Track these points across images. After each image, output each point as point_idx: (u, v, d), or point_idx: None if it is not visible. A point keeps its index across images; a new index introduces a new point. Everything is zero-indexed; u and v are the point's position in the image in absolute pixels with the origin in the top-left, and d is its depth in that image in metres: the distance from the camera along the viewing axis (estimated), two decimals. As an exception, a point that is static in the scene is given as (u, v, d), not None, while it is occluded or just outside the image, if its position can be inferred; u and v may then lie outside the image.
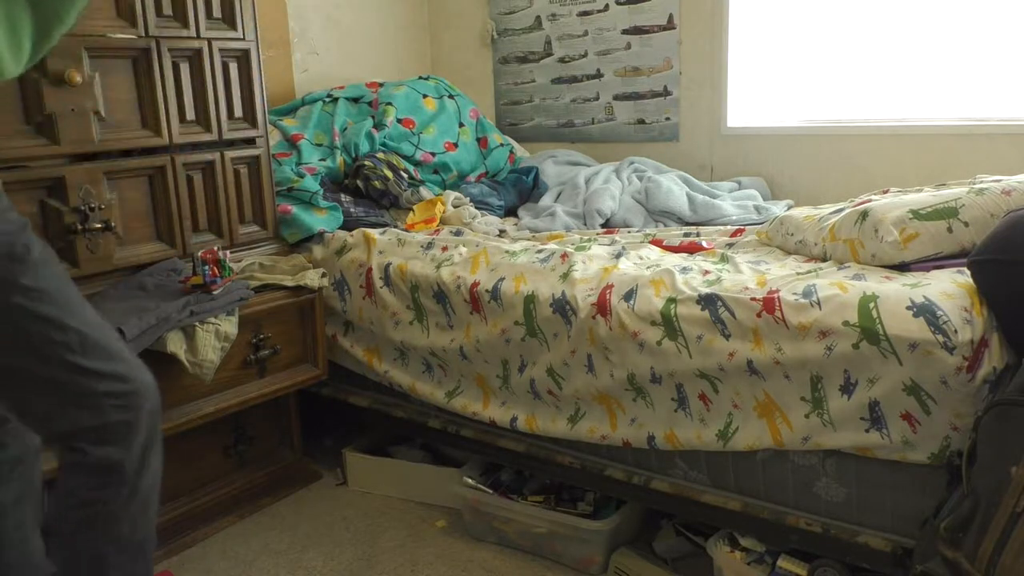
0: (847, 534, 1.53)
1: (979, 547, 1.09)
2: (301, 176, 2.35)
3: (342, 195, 2.44)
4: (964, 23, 2.42)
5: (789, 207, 2.44)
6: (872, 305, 1.42)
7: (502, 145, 2.96)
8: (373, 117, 2.67)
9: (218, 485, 2.13)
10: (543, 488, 2.02)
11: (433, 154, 2.71)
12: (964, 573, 1.10)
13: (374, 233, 2.24)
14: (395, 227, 2.39)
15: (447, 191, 2.62)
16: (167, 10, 1.93)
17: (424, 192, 2.56)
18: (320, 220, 2.30)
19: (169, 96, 1.95)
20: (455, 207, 2.49)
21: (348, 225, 2.35)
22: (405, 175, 2.56)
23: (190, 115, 2.01)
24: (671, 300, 1.65)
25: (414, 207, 2.48)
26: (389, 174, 2.49)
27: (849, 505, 1.54)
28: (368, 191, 2.47)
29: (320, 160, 2.49)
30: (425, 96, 2.85)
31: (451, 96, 2.95)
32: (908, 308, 1.39)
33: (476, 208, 2.52)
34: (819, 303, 1.48)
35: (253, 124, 2.16)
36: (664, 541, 1.88)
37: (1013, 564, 1.04)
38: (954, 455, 1.36)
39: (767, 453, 1.60)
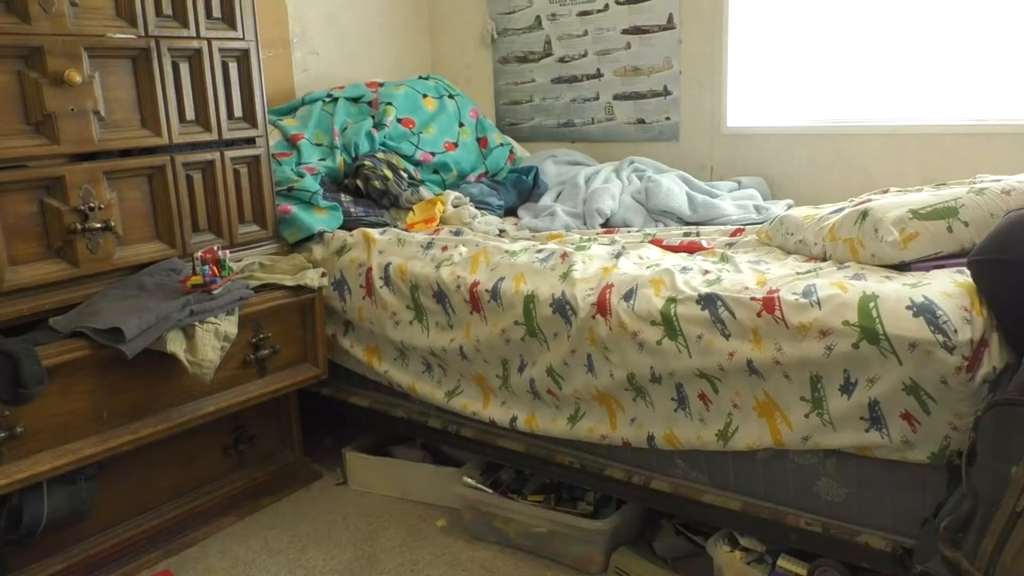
0: (847, 534, 1.53)
1: (979, 547, 1.08)
2: (301, 176, 2.35)
3: (342, 195, 2.44)
4: (964, 23, 2.42)
5: (789, 207, 2.44)
6: (872, 305, 1.42)
7: (502, 145, 2.96)
8: (373, 117, 2.67)
9: (218, 485, 2.13)
10: (543, 488, 2.02)
11: (433, 154, 2.70)
12: (964, 573, 1.10)
13: (374, 233, 2.24)
14: (395, 227, 2.38)
15: (447, 191, 2.61)
16: (167, 10, 1.93)
17: (424, 192, 2.56)
18: (320, 220, 2.30)
19: (169, 96, 1.95)
20: (455, 207, 2.48)
21: (348, 225, 2.35)
22: (405, 175, 2.56)
23: (190, 115, 2.01)
24: (671, 300, 1.65)
25: (414, 207, 2.48)
26: (389, 174, 2.49)
27: (849, 505, 1.54)
28: (368, 191, 2.47)
29: (320, 160, 2.49)
30: (425, 96, 2.85)
31: (451, 96, 2.94)
32: (908, 308, 1.39)
33: (476, 208, 2.52)
34: (819, 303, 1.48)
35: (253, 124, 2.15)
36: (664, 541, 1.88)
37: (1013, 564, 1.04)
38: (954, 455, 1.36)
39: (767, 453, 1.60)
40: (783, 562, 1.63)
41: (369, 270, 2.14)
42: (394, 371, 2.16)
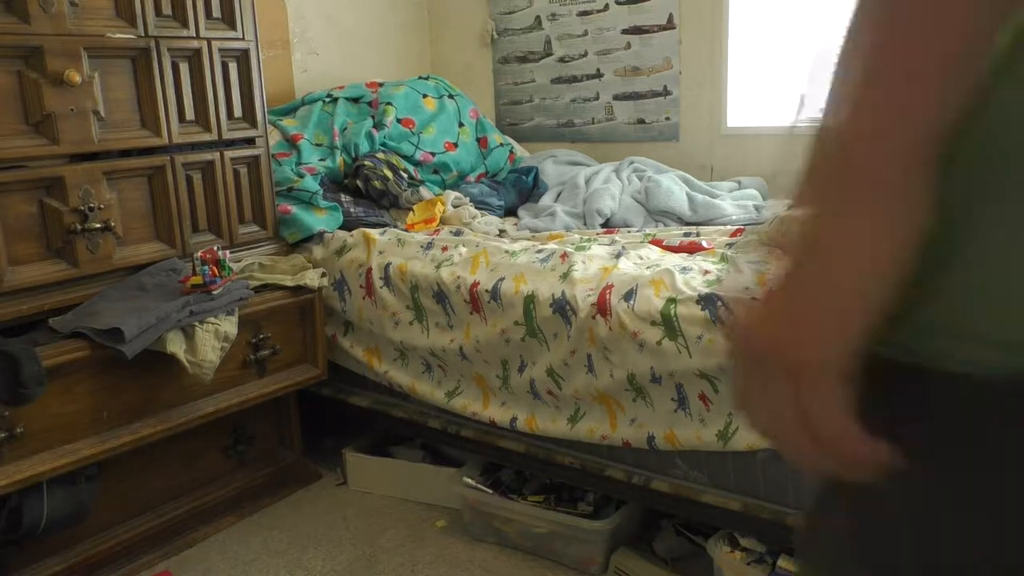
0: (847, 534, 1.53)
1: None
2: (301, 176, 2.35)
3: (342, 195, 2.44)
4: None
5: (789, 207, 2.43)
6: (872, 305, 1.42)
7: (502, 145, 2.96)
8: (373, 117, 2.67)
9: (218, 485, 2.13)
10: (543, 488, 2.02)
11: (433, 154, 2.70)
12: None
13: (374, 233, 2.24)
14: (395, 227, 2.38)
15: (447, 191, 2.61)
16: (167, 10, 1.93)
17: (424, 192, 2.56)
18: (320, 220, 2.30)
19: (168, 96, 1.95)
20: (455, 207, 2.48)
21: (348, 225, 2.35)
22: (405, 175, 2.56)
23: (190, 115, 2.01)
24: (671, 300, 1.64)
25: (414, 207, 2.48)
26: (389, 174, 2.49)
27: (849, 505, 1.53)
28: (368, 191, 2.47)
29: (320, 160, 2.49)
30: (425, 96, 2.85)
31: (451, 96, 2.94)
32: (908, 308, 1.38)
33: (476, 208, 2.52)
34: (819, 303, 1.47)
35: (253, 124, 2.15)
36: (664, 541, 1.87)
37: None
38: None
39: (767, 453, 1.60)
40: (783, 562, 1.63)
41: (369, 270, 2.14)
42: (394, 371, 2.16)
